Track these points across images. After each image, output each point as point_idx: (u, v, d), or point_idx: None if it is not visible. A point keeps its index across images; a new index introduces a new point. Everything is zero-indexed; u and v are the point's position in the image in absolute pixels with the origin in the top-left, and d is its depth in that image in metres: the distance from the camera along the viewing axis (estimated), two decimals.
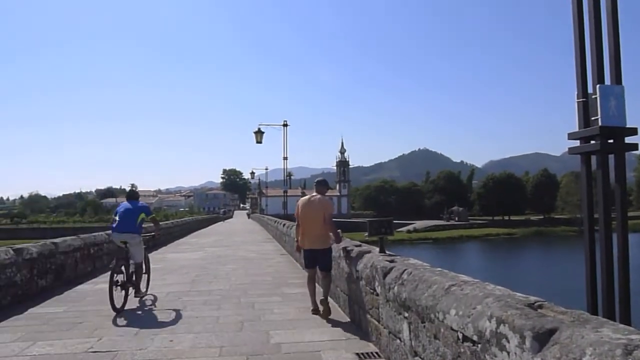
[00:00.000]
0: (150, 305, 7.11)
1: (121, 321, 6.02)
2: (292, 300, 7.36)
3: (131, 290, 7.09)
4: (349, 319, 5.99)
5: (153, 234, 8.52)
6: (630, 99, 5.26)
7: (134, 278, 7.19)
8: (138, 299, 7.29)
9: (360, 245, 6.40)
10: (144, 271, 7.77)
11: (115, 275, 6.66)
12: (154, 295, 7.72)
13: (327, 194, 6.70)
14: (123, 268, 6.94)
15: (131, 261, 7.15)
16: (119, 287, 6.67)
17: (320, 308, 6.18)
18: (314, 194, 6.51)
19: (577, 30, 5.39)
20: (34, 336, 5.40)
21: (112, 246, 10.09)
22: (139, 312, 6.67)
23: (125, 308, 6.62)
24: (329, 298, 6.27)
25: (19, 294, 7.31)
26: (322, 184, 6.64)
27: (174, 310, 6.70)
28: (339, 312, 6.41)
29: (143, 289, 7.62)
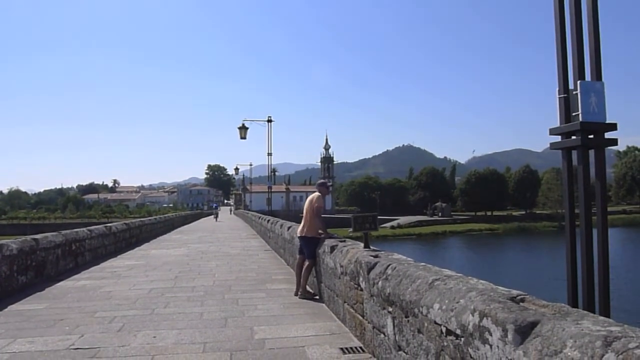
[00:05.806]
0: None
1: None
2: (276, 296, 7.34)
3: (216, 219, 47.30)
4: (333, 314, 6.01)
5: (219, 210, 58.85)
6: (610, 94, 5.35)
7: (218, 216, 48.69)
8: (218, 221, 42.59)
9: (344, 241, 6.42)
10: (220, 211, 58.32)
11: (215, 216, 48.23)
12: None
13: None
14: (215, 217, 48.34)
15: (218, 212, 52.36)
16: (216, 219, 46.33)
17: (299, 293, 7.16)
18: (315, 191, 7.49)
19: (559, 28, 5.45)
20: (14, 333, 5.30)
21: (213, 212, 55.32)
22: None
23: (216, 222, 40.22)
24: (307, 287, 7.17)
25: None
26: (319, 185, 7.65)
27: (157, 306, 6.65)
28: (323, 308, 6.42)
29: (219, 219, 45.94)
